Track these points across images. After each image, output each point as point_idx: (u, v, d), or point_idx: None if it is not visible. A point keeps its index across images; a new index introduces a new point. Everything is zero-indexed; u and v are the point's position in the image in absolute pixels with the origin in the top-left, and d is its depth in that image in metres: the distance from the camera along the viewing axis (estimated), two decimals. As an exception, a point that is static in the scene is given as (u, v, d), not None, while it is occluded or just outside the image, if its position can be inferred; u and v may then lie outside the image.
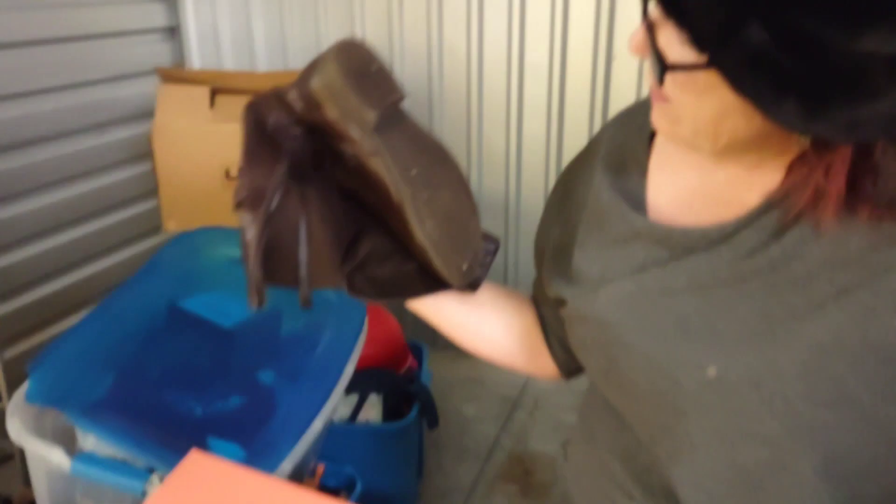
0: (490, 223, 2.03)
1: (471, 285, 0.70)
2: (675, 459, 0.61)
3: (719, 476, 0.59)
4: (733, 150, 0.55)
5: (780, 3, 0.42)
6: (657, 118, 0.58)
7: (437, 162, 0.63)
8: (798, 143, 0.52)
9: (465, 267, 0.67)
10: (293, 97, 0.59)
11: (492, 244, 0.72)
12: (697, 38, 0.45)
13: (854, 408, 0.53)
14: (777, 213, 0.56)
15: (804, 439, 0.55)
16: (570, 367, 0.79)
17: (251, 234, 0.60)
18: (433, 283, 0.68)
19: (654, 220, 0.63)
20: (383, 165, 0.59)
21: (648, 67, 0.54)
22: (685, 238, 0.60)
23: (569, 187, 0.74)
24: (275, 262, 0.62)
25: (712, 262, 0.58)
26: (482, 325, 0.75)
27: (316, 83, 0.57)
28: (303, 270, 0.63)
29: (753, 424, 0.56)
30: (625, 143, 0.69)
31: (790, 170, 0.54)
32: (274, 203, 0.59)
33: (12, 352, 1.62)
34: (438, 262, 0.65)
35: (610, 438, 0.71)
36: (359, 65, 0.58)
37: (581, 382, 0.81)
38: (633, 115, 0.71)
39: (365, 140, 0.58)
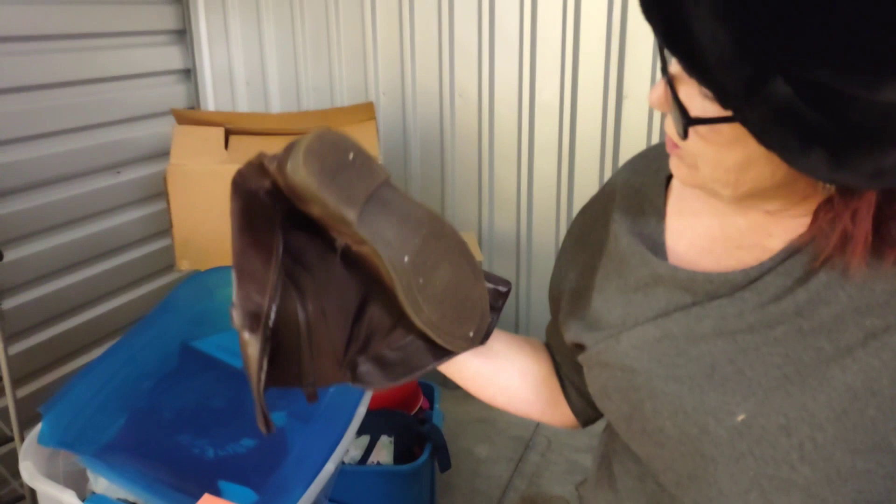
0: (501, 263, 2.03)
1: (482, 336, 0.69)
2: None
3: None
4: (755, 196, 0.55)
5: (801, 58, 0.42)
6: (676, 166, 0.58)
7: (432, 237, 0.62)
8: (823, 190, 0.53)
9: (471, 334, 0.66)
10: (278, 178, 0.57)
11: (503, 287, 0.71)
12: (721, 95, 0.45)
13: (886, 452, 0.53)
14: (801, 258, 0.56)
15: (836, 485, 0.54)
16: (587, 414, 0.79)
17: (253, 352, 0.58)
18: (442, 352, 0.67)
19: (675, 265, 0.63)
20: (374, 254, 0.59)
21: (669, 120, 0.54)
22: (709, 283, 0.60)
23: (584, 230, 0.74)
24: (277, 367, 0.60)
25: (737, 307, 0.58)
26: (497, 375, 0.75)
27: (292, 181, 0.55)
28: (307, 375, 0.62)
29: (784, 471, 0.55)
30: (641, 187, 0.69)
31: (816, 215, 0.55)
32: (272, 318, 0.58)
33: (25, 391, 1.62)
34: (441, 341, 0.64)
35: (632, 485, 0.70)
36: (335, 159, 0.56)
37: (596, 424, 0.80)
38: (648, 160, 0.71)
39: (351, 231, 0.57)
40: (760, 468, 0.56)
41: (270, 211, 0.59)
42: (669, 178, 0.68)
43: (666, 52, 0.49)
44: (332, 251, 0.62)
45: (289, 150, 0.56)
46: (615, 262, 0.67)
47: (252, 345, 0.58)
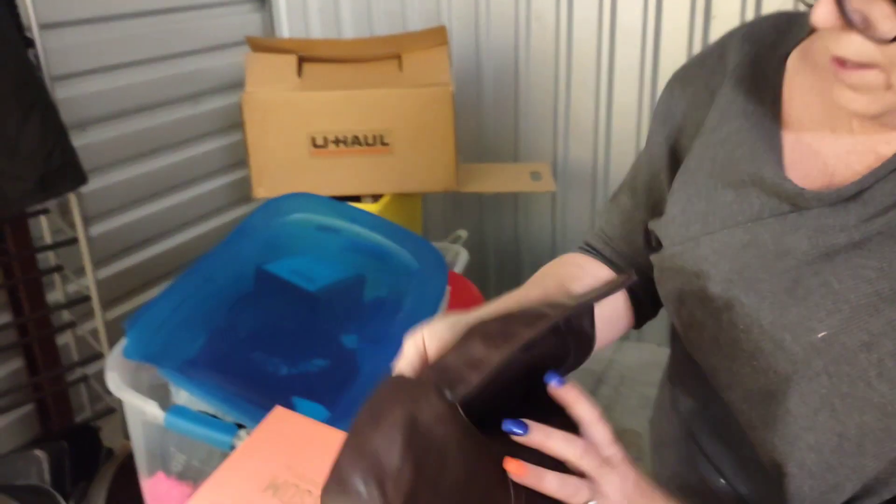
0: (576, 197, 1.99)
1: None
2: (771, 426, 0.58)
3: (818, 442, 0.56)
4: None
5: None
6: (852, 98, 0.52)
7: None
8: None
9: None
10: None
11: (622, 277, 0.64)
12: None
13: None
14: None
15: None
16: (646, 317, 0.77)
17: None
18: None
19: (785, 175, 0.58)
20: None
21: (840, 40, 0.49)
22: (816, 200, 0.56)
23: (678, 102, 0.67)
24: None
25: (840, 219, 0.54)
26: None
27: None
28: None
29: (860, 388, 0.53)
30: (757, 59, 0.62)
31: None
32: None
33: (113, 314, 1.70)
34: None
35: (696, 407, 0.68)
36: None
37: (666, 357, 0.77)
38: (760, 31, 0.64)
39: None
40: (834, 386, 0.54)
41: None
42: (787, 55, 0.61)
43: None
44: None
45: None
46: (712, 146, 0.62)
47: None
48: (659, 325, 2.14)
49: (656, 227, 0.65)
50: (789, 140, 0.59)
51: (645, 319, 0.77)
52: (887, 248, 0.52)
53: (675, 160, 0.66)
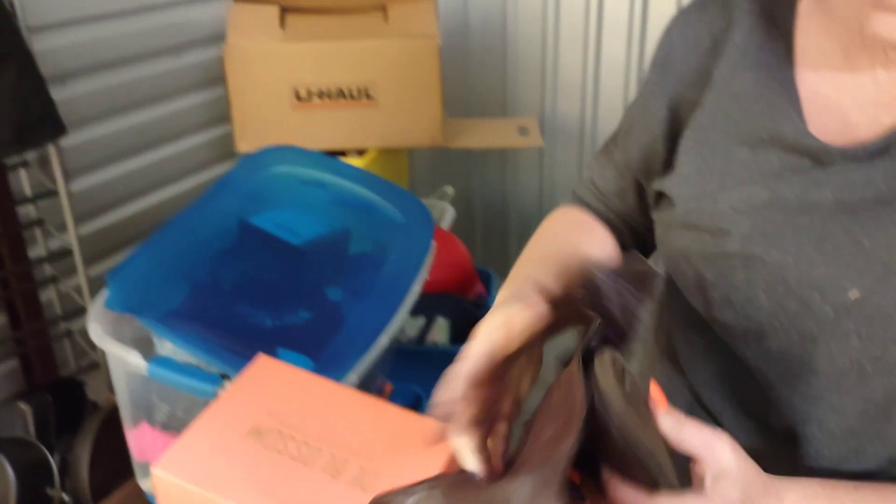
0: (563, 151, 1.97)
1: None
2: (792, 385, 0.56)
3: (841, 406, 0.54)
4: None
5: None
6: None
7: None
8: None
9: None
10: None
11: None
12: None
13: None
14: None
15: None
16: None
17: None
18: None
19: (808, 130, 0.55)
20: None
21: None
22: (841, 156, 0.53)
23: (678, 54, 0.63)
24: None
25: (866, 174, 0.52)
26: None
27: None
28: None
29: (892, 353, 0.51)
30: (766, 4, 0.59)
31: None
32: None
33: (95, 271, 1.68)
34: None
35: (699, 361, 0.67)
36: None
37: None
38: None
39: None
40: (865, 349, 0.52)
41: None
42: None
43: None
44: None
45: None
46: (725, 101, 0.59)
47: None
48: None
49: (665, 185, 0.62)
50: (806, 91, 0.56)
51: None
52: None
53: (675, 116, 0.63)
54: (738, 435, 0.64)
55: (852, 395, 0.54)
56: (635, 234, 0.74)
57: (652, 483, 0.45)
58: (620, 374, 0.45)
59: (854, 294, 0.51)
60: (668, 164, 0.64)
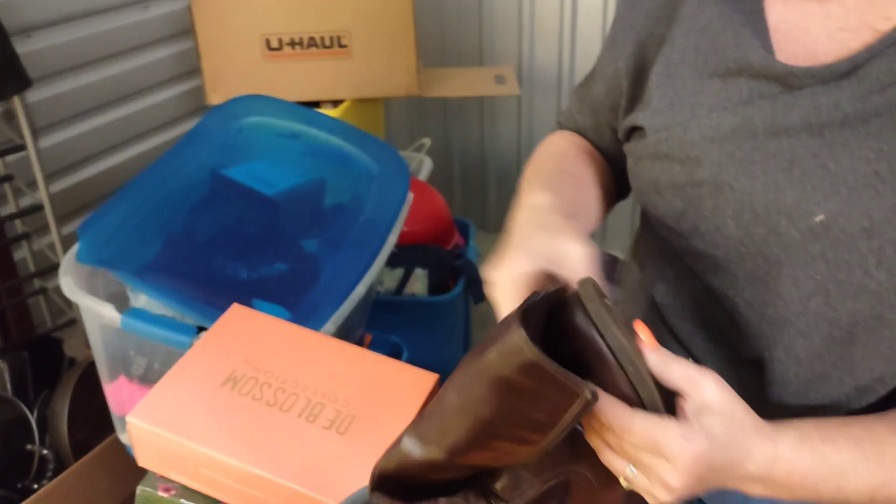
0: (542, 100, 1.96)
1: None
2: (759, 310, 0.57)
3: (807, 329, 0.55)
4: None
5: None
6: None
7: None
8: None
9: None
10: None
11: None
12: None
13: None
14: None
15: None
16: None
17: None
18: None
19: (772, 56, 0.55)
20: None
21: None
22: (809, 77, 0.53)
23: None
24: None
25: (833, 97, 0.52)
26: None
27: None
28: None
29: (857, 275, 0.52)
30: None
31: None
32: None
33: (68, 229, 1.66)
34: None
35: (669, 290, 0.68)
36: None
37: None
38: None
39: None
40: (830, 272, 0.53)
41: None
42: None
43: None
44: None
45: None
46: (693, 34, 0.59)
47: None
48: (623, 231, 2.16)
49: (638, 119, 0.63)
50: (774, 19, 0.57)
51: (616, 201, 0.78)
52: (886, 130, 0.51)
53: (642, 52, 0.64)
54: (707, 363, 0.66)
55: (818, 319, 0.55)
56: (614, 167, 0.75)
57: (638, 404, 0.45)
58: (604, 299, 0.45)
59: (819, 218, 0.52)
60: (632, 99, 0.65)
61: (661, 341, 0.69)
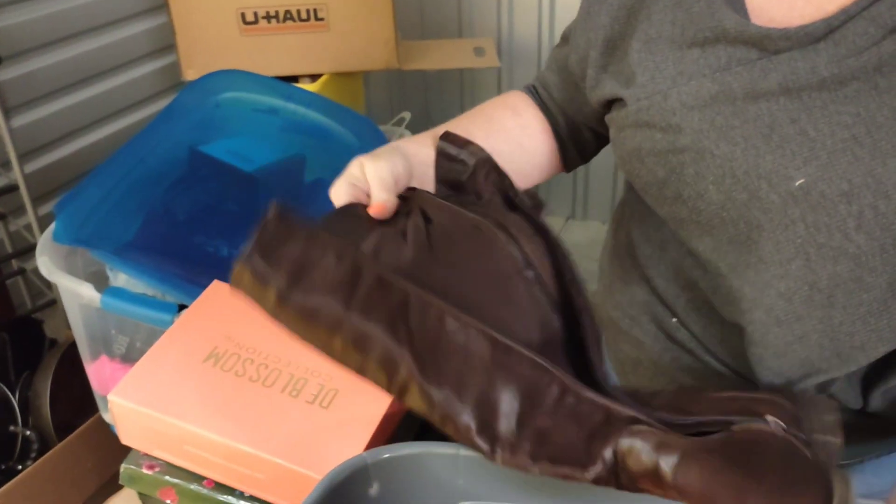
0: (521, 72, 1.95)
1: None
2: (741, 273, 0.58)
3: (787, 291, 0.56)
4: None
5: None
6: None
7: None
8: None
9: None
10: None
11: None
12: None
13: None
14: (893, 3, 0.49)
15: (890, 254, 0.52)
16: (576, 163, 0.80)
17: None
18: None
19: (746, 21, 0.56)
20: None
21: None
22: (785, 40, 0.54)
23: None
24: None
25: (810, 61, 0.52)
26: None
27: None
28: None
29: (837, 239, 0.52)
30: None
31: None
32: None
33: (44, 209, 1.64)
34: None
35: (651, 253, 0.69)
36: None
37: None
38: None
39: None
40: (810, 236, 0.53)
41: None
42: None
43: None
44: None
45: None
46: (669, 9, 0.60)
47: None
48: (604, 202, 2.17)
49: (620, 91, 0.63)
50: None
51: (574, 164, 0.80)
52: (863, 94, 0.51)
53: (616, 25, 0.64)
54: (691, 325, 0.67)
55: (798, 282, 0.55)
56: (573, 127, 0.76)
57: None
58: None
59: (799, 182, 0.53)
60: (602, 68, 0.65)
61: (646, 303, 0.70)
